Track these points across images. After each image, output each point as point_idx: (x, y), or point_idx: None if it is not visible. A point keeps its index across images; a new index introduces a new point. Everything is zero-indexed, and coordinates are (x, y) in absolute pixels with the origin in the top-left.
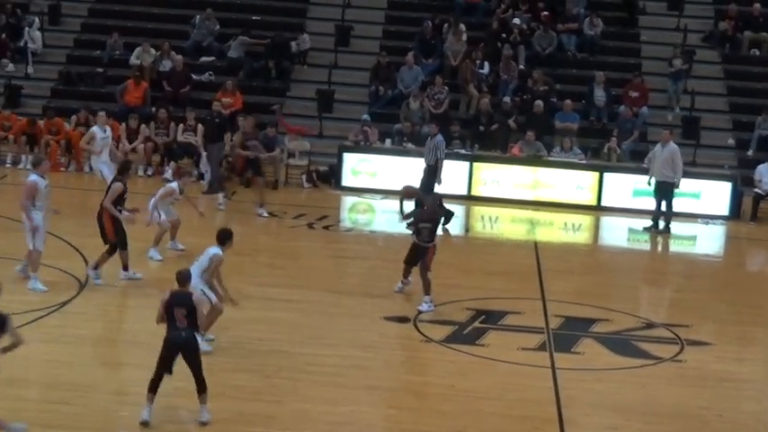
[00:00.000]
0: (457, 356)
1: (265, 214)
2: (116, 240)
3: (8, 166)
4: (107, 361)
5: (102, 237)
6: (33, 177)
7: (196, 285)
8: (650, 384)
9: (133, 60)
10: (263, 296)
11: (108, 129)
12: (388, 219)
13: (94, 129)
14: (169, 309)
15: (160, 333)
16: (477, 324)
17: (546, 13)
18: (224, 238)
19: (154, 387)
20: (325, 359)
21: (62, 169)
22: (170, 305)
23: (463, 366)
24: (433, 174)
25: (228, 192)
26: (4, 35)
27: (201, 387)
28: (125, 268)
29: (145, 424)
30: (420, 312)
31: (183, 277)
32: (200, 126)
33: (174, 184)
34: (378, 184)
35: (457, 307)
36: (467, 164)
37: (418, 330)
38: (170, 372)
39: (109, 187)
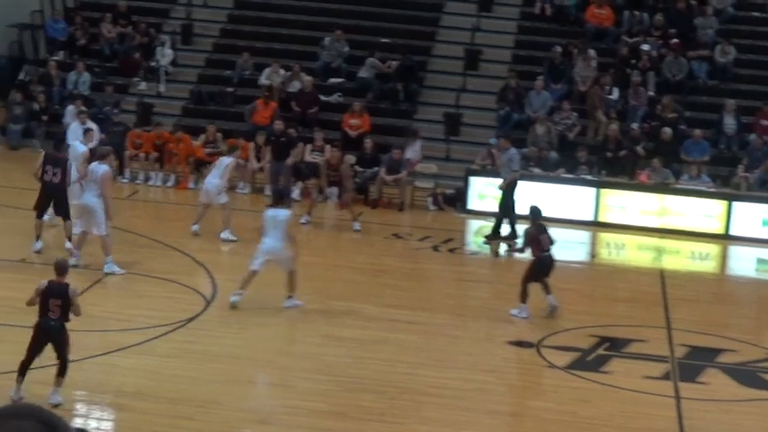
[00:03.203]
0: (580, 383)
1: None
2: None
3: (139, 182)
4: (231, 378)
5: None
6: (105, 167)
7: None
8: None
9: (263, 80)
10: (387, 317)
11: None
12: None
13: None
14: (44, 298)
15: (284, 351)
16: (600, 351)
17: (676, 40)
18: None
19: (23, 370)
20: (447, 382)
21: (188, 186)
22: (46, 294)
23: (586, 393)
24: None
25: (356, 213)
26: (137, 54)
27: (62, 370)
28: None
29: None
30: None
31: (62, 268)
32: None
33: (232, 159)
34: None
35: (581, 333)
36: (593, 190)
37: (541, 356)
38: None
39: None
